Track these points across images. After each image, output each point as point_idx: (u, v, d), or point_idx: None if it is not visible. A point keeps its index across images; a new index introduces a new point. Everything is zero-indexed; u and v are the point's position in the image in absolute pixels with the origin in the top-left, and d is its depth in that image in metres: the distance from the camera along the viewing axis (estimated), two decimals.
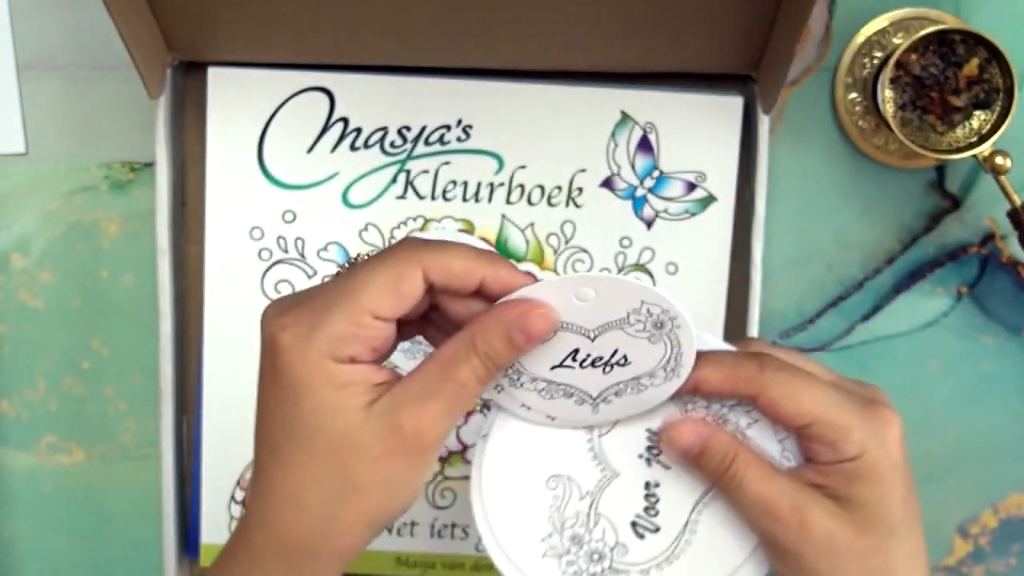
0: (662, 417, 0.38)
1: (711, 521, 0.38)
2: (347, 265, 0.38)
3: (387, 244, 0.51)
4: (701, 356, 0.37)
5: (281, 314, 0.36)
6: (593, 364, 0.37)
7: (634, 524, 0.38)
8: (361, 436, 0.36)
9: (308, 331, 0.35)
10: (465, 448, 0.52)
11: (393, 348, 0.38)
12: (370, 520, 0.37)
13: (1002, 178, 0.51)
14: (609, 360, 0.37)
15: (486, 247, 0.37)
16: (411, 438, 0.36)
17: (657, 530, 0.38)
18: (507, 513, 0.38)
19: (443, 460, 0.52)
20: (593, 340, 0.37)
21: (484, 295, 0.37)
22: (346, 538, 0.37)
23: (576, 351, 0.37)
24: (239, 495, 0.52)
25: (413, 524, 0.53)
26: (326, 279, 0.51)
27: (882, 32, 0.52)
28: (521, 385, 0.38)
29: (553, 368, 0.38)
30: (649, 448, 0.39)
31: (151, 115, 0.49)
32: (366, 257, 0.38)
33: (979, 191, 0.54)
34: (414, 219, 0.51)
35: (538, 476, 0.39)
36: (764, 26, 0.47)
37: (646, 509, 0.39)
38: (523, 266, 0.51)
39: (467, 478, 0.53)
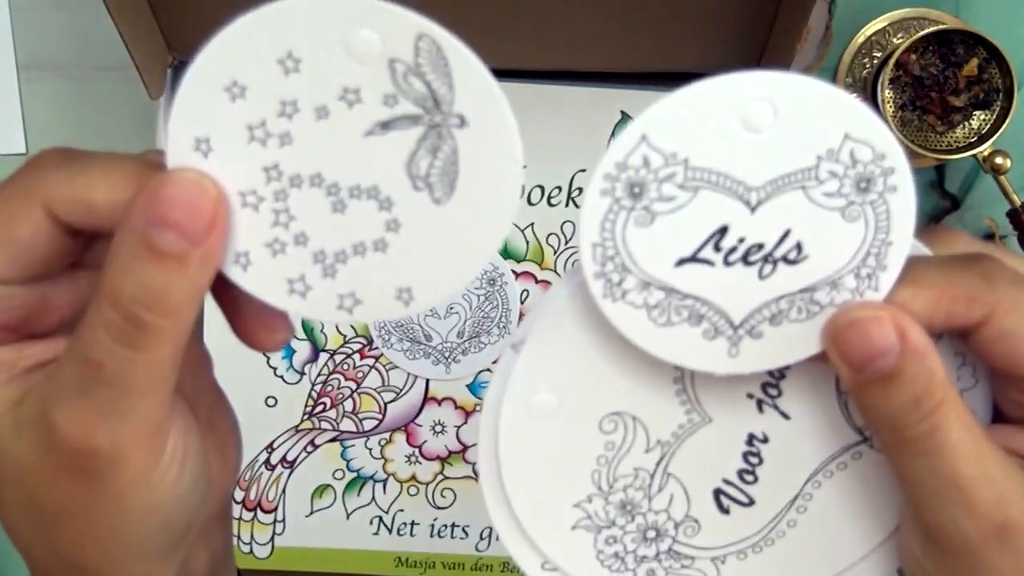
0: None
1: (832, 497, 0.26)
2: None
3: None
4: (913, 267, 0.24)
5: None
6: (746, 258, 0.23)
7: (719, 493, 0.26)
8: (17, 450, 0.24)
9: None
10: (465, 448, 0.52)
11: (59, 312, 0.26)
12: (123, 546, 0.25)
13: (1002, 178, 0.51)
14: (772, 251, 0.23)
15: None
16: (75, 454, 0.24)
17: (751, 503, 0.26)
18: (529, 460, 0.26)
19: (443, 460, 0.52)
20: (754, 210, 0.23)
21: None
22: (117, 569, 0.26)
23: (723, 231, 0.23)
24: (239, 495, 0.52)
25: (413, 524, 0.53)
26: None
27: (882, 32, 0.52)
28: (623, 296, 0.24)
29: (681, 263, 0.24)
30: (766, 386, 0.26)
31: (151, 115, 0.49)
32: None
33: (979, 191, 0.54)
34: None
35: (589, 412, 0.26)
36: (764, 26, 0.47)
37: (741, 472, 0.26)
38: (523, 266, 0.51)
39: (467, 478, 0.53)
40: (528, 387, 0.25)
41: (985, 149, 0.50)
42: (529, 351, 0.25)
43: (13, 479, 0.25)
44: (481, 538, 0.53)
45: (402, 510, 0.53)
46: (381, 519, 0.53)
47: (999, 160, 0.50)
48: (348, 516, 0.53)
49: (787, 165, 0.23)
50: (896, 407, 0.24)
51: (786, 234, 0.23)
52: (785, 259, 0.23)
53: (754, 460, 0.26)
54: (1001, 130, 0.50)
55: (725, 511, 0.27)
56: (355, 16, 0.22)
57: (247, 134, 0.23)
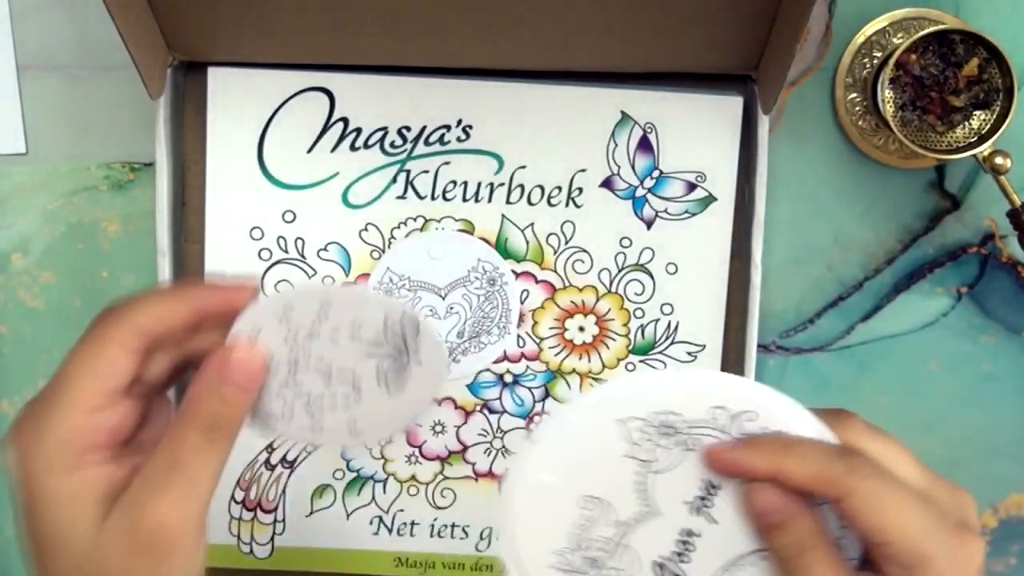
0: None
1: None
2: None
3: (387, 245, 0.51)
4: (788, 442, 0.35)
5: (14, 425, 0.34)
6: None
7: (660, 565, 0.37)
8: (99, 556, 0.32)
9: (27, 446, 0.33)
10: (465, 448, 0.52)
11: (145, 418, 0.36)
12: None
13: (1002, 178, 0.51)
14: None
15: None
16: (150, 543, 0.32)
17: None
18: (531, 514, 0.37)
19: (443, 460, 0.53)
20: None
21: (210, 318, 0.35)
22: None
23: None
24: (239, 495, 0.52)
25: (413, 524, 0.53)
26: (325, 279, 0.51)
27: (882, 32, 0.52)
28: None
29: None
30: (701, 498, 0.37)
31: (151, 115, 0.49)
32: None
33: (979, 191, 0.54)
34: (414, 219, 0.51)
35: (575, 492, 0.37)
36: (764, 26, 0.47)
37: (678, 554, 0.37)
38: (523, 266, 0.51)
39: (467, 478, 0.53)
40: (539, 469, 0.37)
41: (985, 149, 0.50)
42: (543, 447, 0.37)
43: (83, 562, 0.33)
44: (481, 538, 0.53)
45: (402, 510, 0.53)
46: (381, 519, 0.53)
47: (999, 160, 0.50)
48: (348, 516, 0.53)
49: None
50: (781, 546, 0.35)
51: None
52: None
53: (688, 547, 0.37)
54: (1001, 130, 0.50)
55: None
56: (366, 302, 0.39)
57: (284, 335, 0.38)
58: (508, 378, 0.52)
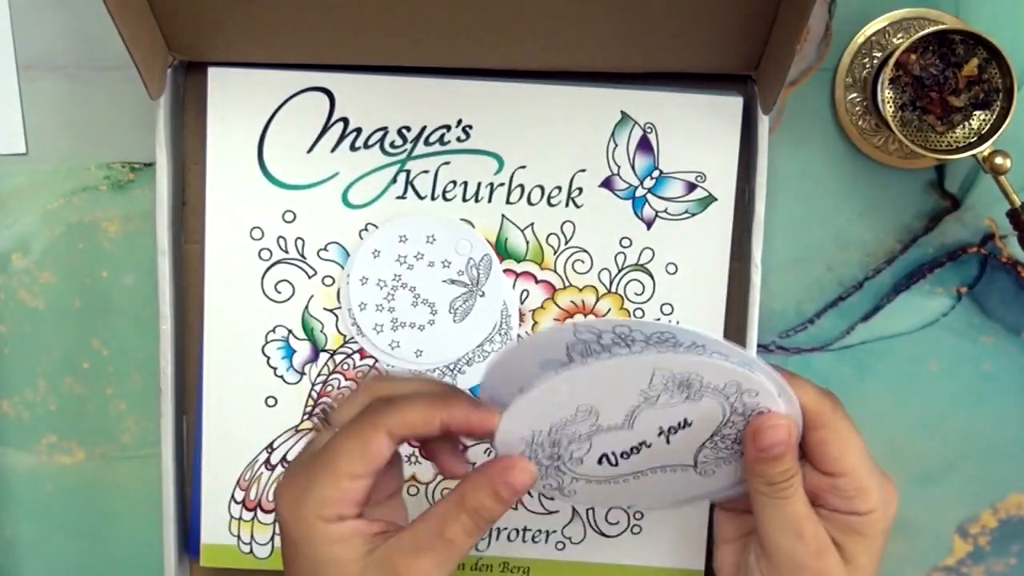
0: (704, 414, 0.42)
1: (654, 479, 0.44)
2: (322, 414, 0.45)
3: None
4: (796, 378, 0.43)
5: (281, 482, 0.42)
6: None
7: (604, 455, 0.43)
8: None
9: (299, 496, 0.41)
10: (465, 448, 0.52)
11: (384, 493, 0.44)
12: None
13: (1002, 178, 0.51)
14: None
15: (437, 384, 0.44)
16: None
17: (615, 465, 0.43)
18: (536, 401, 0.41)
19: None
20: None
21: (451, 433, 0.41)
22: None
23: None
24: (239, 495, 0.52)
25: None
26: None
27: (882, 32, 0.52)
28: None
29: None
30: (672, 429, 0.42)
31: (151, 115, 0.49)
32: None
33: (979, 191, 0.54)
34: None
35: (579, 401, 0.41)
36: (764, 26, 0.47)
37: (624, 452, 0.43)
38: (522, 266, 0.51)
39: None
40: (568, 380, 0.41)
41: (985, 149, 0.50)
42: (571, 371, 0.41)
43: None
44: (481, 538, 0.53)
45: None
46: None
47: (999, 160, 0.50)
48: None
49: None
50: (776, 472, 0.42)
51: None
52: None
53: (635, 451, 0.43)
54: (1001, 130, 0.50)
55: (599, 463, 0.43)
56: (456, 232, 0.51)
57: (397, 255, 0.51)
58: None
